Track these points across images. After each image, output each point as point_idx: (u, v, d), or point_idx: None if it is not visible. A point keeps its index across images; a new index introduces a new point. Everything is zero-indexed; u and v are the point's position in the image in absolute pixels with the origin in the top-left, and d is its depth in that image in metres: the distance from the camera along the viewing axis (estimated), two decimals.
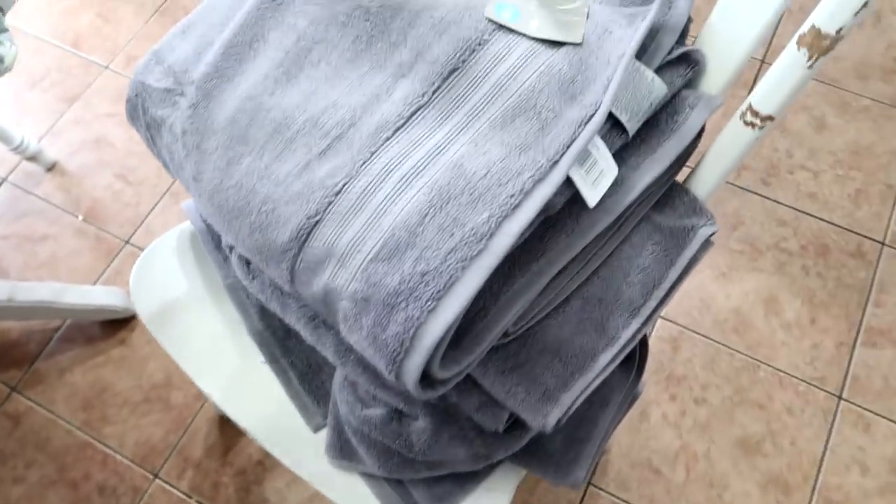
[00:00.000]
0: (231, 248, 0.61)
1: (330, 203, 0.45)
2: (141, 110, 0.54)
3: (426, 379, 0.44)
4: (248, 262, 0.60)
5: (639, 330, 0.52)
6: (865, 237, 1.13)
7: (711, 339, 1.07)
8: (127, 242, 1.21)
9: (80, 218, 1.24)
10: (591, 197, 0.47)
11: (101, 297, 1.09)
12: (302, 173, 0.46)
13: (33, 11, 1.47)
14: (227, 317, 0.68)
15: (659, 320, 1.08)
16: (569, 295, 0.53)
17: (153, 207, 1.25)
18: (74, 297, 1.06)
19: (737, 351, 1.06)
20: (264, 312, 0.64)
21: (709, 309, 1.09)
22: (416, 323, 0.42)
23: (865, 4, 0.41)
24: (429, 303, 0.42)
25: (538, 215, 0.45)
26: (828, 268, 1.11)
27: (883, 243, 1.12)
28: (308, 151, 0.47)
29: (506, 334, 0.49)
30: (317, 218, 0.45)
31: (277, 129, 0.48)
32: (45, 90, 1.38)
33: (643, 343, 0.60)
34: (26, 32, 1.44)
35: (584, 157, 0.46)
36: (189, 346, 0.67)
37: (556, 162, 0.44)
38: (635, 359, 0.60)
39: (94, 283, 1.17)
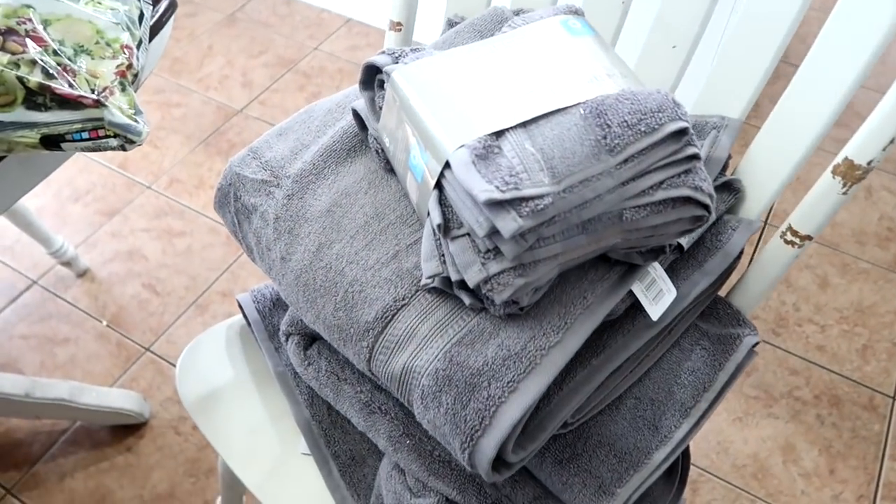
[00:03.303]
0: (288, 336, 0.64)
1: (417, 290, 0.49)
2: (232, 197, 0.59)
3: (495, 462, 0.46)
4: (305, 349, 0.62)
5: (691, 430, 0.53)
6: (876, 391, 1.15)
7: (731, 484, 1.05)
8: (147, 350, 1.22)
9: (105, 323, 1.25)
10: (654, 311, 0.51)
11: (118, 399, 1.08)
12: (390, 262, 0.50)
13: None
14: (269, 407, 0.68)
15: None
16: (623, 394, 0.55)
17: (177, 318, 1.27)
18: (91, 398, 1.05)
19: (757, 497, 1.04)
20: (312, 401, 0.65)
21: (727, 452, 1.09)
22: (497, 402, 0.44)
23: (892, 141, 0.48)
24: (510, 384, 0.44)
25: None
26: (842, 419, 1.12)
27: (894, 398, 1.14)
28: (397, 243, 0.51)
29: (565, 424, 0.51)
30: (404, 302, 0.49)
31: (369, 221, 0.52)
32: (88, 204, 1.45)
33: (685, 455, 0.61)
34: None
35: (643, 276, 0.51)
36: (229, 433, 0.67)
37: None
38: (677, 471, 0.61)
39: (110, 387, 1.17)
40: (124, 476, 1.06)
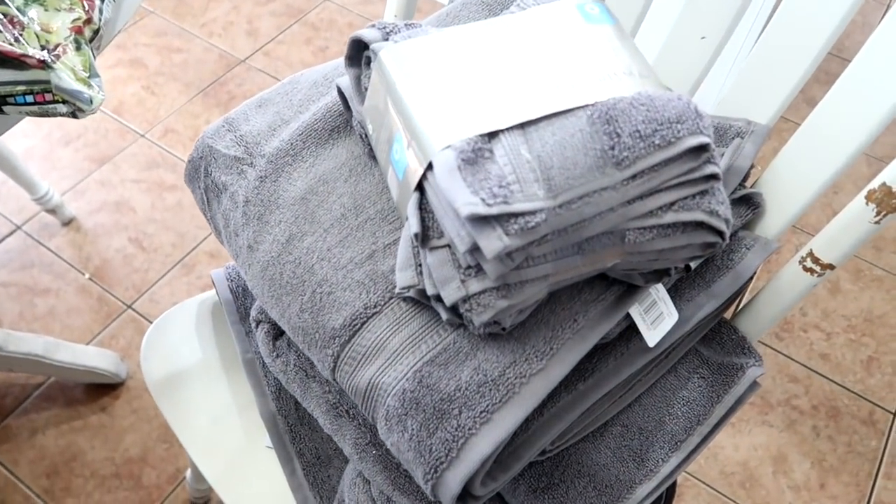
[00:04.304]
0: (258, 323, 0.59)
1: (391, 298, 0.44)
2: (203, 172, 0.54)
3: (461, 494, 0.42)
4: (274, 339, 0.58)
5: (679, 465, 0.49)
6: (877, 406, 1.11)
7: (717, 492, 1.02)
8: (129, 307, 1.18)
9: (87, 276, 1.22)
10: (651, 337, 0.46)
11: (93, 358, 1.05)
12: (365, 262, 0.45)
13: None
14: (237, 395, 0.65)
15: None
16: (609, 420, 0.51)
17: (162, 276, 1.23)
18: (66, 355, 1.02)
19: None
20: (280, 394, 0.61)
21: (716, 458, 1.05)
22: (466, 433, 0.40)
23: None
24: (483, 414, 0.40)
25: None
26: (839, 432, 1.08)
27: (895, 414, 1.10)
28: (374, 242, 0.46)
29: (543, 452, 0.47)
30: (375, 310, 0.44)
31: (346, 214, 0.47)
32: (78, 149, 1.40)
33: (671, 485, 0.57)
34: None
35: (643, 297, 0.46)
36: (192, 419, 0.63)
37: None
38: (661, 501, 0.57)
39: (88, 344, 1.13)
40: (97, 437, 1.04)
